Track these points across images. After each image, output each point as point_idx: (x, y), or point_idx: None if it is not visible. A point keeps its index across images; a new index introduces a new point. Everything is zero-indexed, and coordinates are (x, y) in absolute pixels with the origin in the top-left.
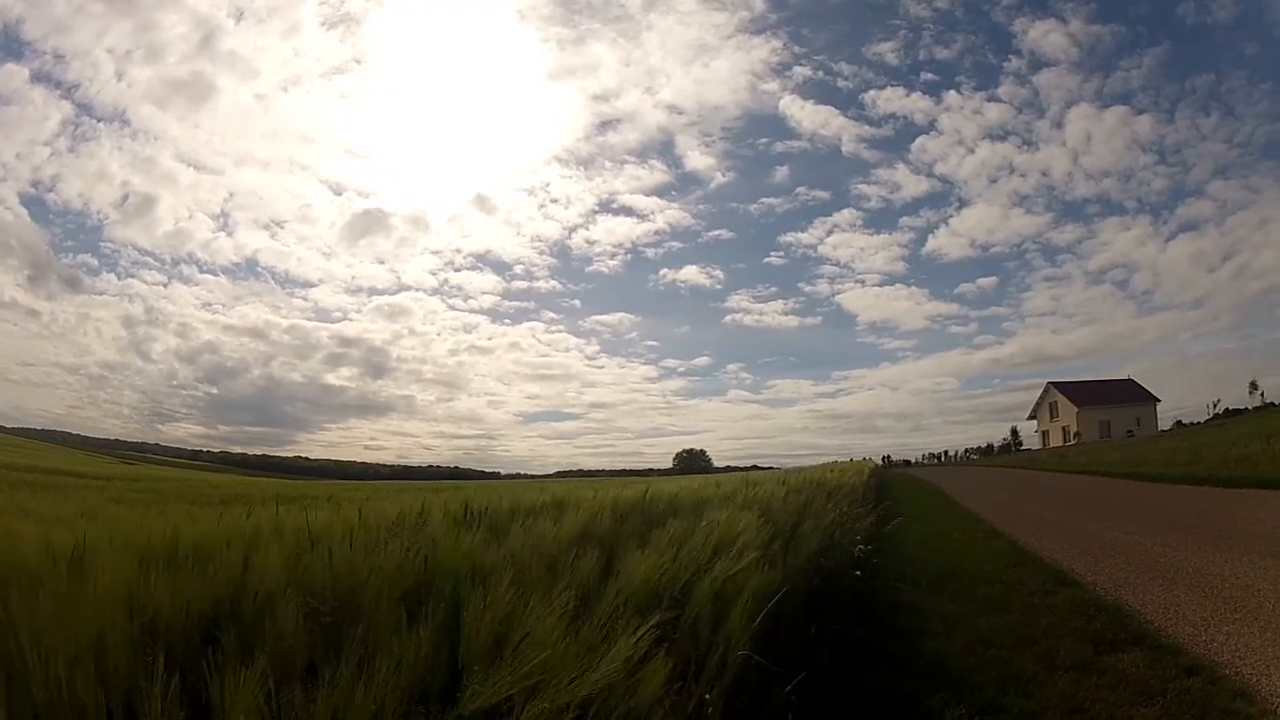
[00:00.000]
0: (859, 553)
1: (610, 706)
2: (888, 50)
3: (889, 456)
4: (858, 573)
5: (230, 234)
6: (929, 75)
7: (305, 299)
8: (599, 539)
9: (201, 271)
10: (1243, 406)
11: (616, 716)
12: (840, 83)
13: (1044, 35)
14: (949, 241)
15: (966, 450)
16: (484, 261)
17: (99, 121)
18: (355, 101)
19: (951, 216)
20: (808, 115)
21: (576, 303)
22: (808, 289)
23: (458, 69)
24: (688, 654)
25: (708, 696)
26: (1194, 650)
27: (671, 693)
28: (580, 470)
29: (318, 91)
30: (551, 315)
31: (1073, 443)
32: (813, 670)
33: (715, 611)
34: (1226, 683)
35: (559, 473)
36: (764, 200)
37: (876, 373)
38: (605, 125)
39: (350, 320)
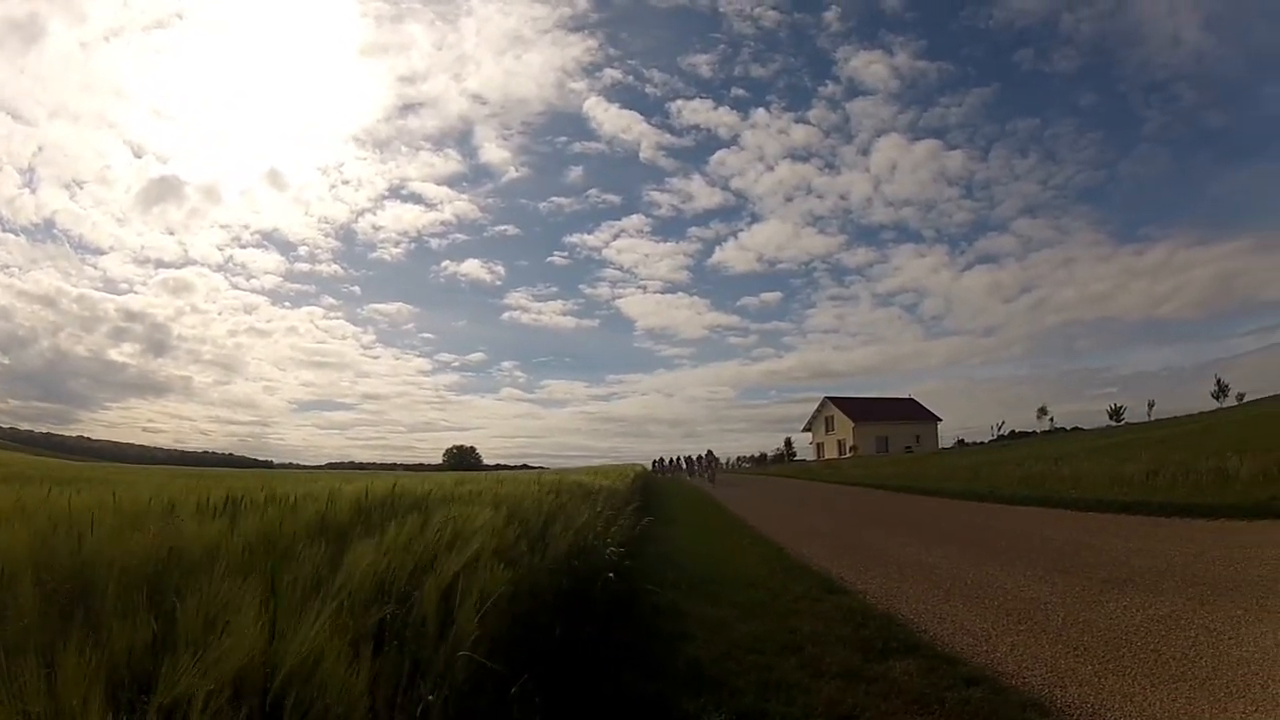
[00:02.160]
0: (613, 555)
1: (313, 706)
2: (703, 62)
3: (662, 459)
4: (611, 575)
5: (34, 191)
6: (740, 91)
7: (96, 267)
8: (337, 531)
9: (4, 230)
10: (1030, 430)
11: (315, 715)
12: (649, 89)
13: (866, 65)
14: (736, 255)
15: (739, 458)
16: (270, 240)
17: None
18: (170, 58)
19: (742, 231)
20: (610, 118)
21: (356, 289)
22: (588, 291)
23: (274, 33)
24: (415, 653)
25: (430, 698)
26: (974, 661)
27: (383, 695)
28: (352, 462)
29: (137, 44)
30: (331, 301)
31: (848, 456)
32: (563, 673)
33: (445, 609)
34: (1013, 693)
35: (330, 464)
36: (554, 199)
37: (651, 378)
38: (408, 108)
39: (136, 293)
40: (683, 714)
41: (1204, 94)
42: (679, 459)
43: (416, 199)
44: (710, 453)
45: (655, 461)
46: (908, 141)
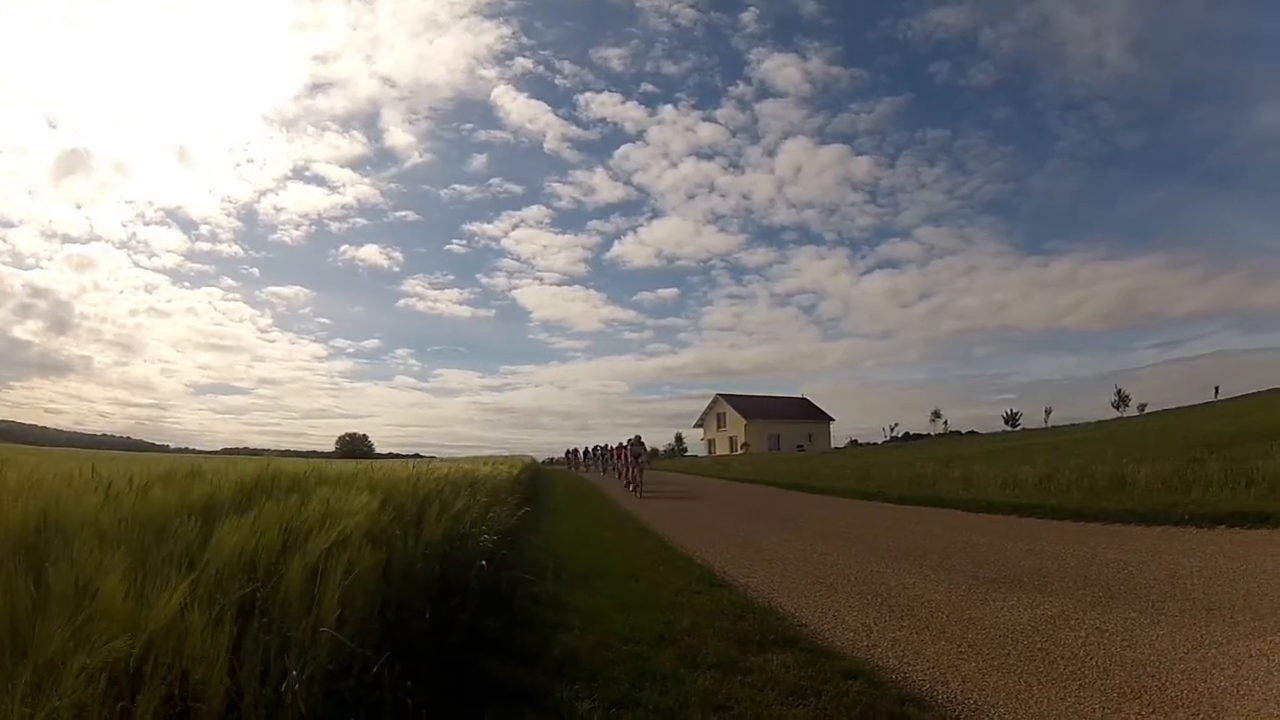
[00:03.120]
0: (488, 543)
1: (173, 668)
2: (615, 56)
3: (575, 450)
4: (484, 563)
5: None
6: (649, 87)
7: (4, 240)
8: (215, 510)
9: None
10: (924, 432)
11: (175, 677)
12: (559, 80)
13: (779, 68)
14: (635, 250)
15: None
16: (173, 218)
17: None
18: (93, 27)
19: (641, 226)
20: (518, 108)
21: (255, 271)
22: (485, 280)
23: (198, 5)
24: (282, 629)
25: (295, 673)
26: (854, 655)
27: (248, 668)
28: (247, 448)
29: (58, 10)
30: (230, 282)
31: (739, 453)
32: (434, 658)
33: (311, 588)
34: (893, 688)
35: (226, 449)
36: (456, 186)
37: (545, 370)
38: (317, 88)
39: (42, 269)
40: (555, 702)
41: (1123, 115)
42: (594, 450)
43: (320, 181)
44: (638, 439)
45: (568, 452)
46: (815, 145)
